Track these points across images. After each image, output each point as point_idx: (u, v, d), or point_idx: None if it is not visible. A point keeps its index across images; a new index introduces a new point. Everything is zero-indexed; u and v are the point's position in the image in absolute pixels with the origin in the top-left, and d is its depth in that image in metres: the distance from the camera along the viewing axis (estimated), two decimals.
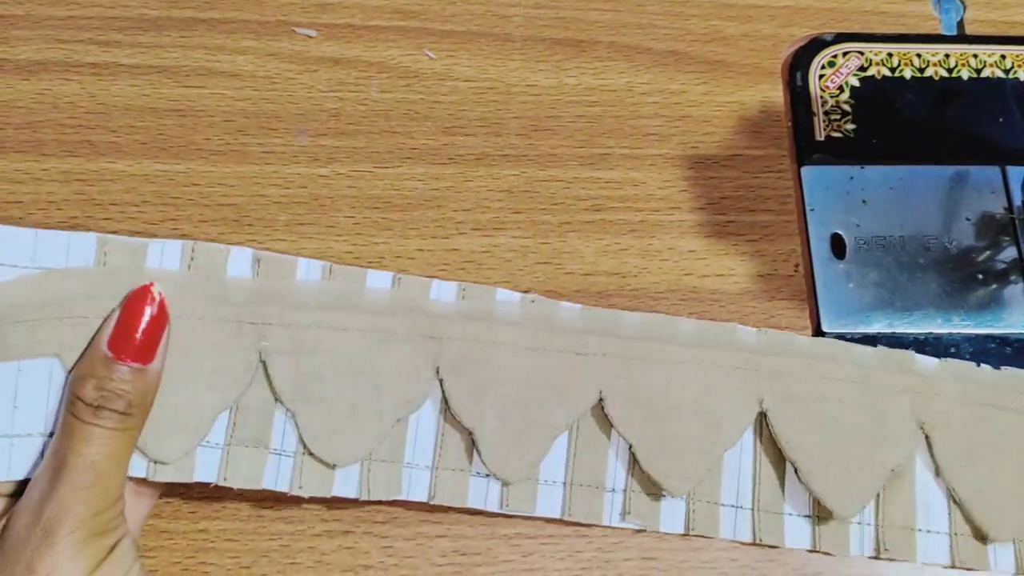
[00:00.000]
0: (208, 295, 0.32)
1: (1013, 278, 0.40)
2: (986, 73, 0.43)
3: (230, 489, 0.35)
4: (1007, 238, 0.40)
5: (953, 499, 0.35)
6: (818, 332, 0.38)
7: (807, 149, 0.41)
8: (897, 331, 0.38)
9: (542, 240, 0.39)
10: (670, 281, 0.39)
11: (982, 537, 0.35)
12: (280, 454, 0.33)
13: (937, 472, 0.35)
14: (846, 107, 0.42)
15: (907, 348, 0.37)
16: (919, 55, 0.43)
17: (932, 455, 0.35)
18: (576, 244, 0.39)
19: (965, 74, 0.43)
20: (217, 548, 0.35)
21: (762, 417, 0.35)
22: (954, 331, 0.38)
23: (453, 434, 0.34)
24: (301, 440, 0.33)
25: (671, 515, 0.35)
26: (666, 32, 0.44)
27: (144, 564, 0.32)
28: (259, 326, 0.32)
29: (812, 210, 0.40)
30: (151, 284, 0.31)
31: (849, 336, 0.38)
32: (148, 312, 0.31)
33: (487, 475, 0.34)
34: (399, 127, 0.41)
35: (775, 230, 0.40)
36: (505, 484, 0.34)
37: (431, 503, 0.34)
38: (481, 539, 0.35)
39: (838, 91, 0.42)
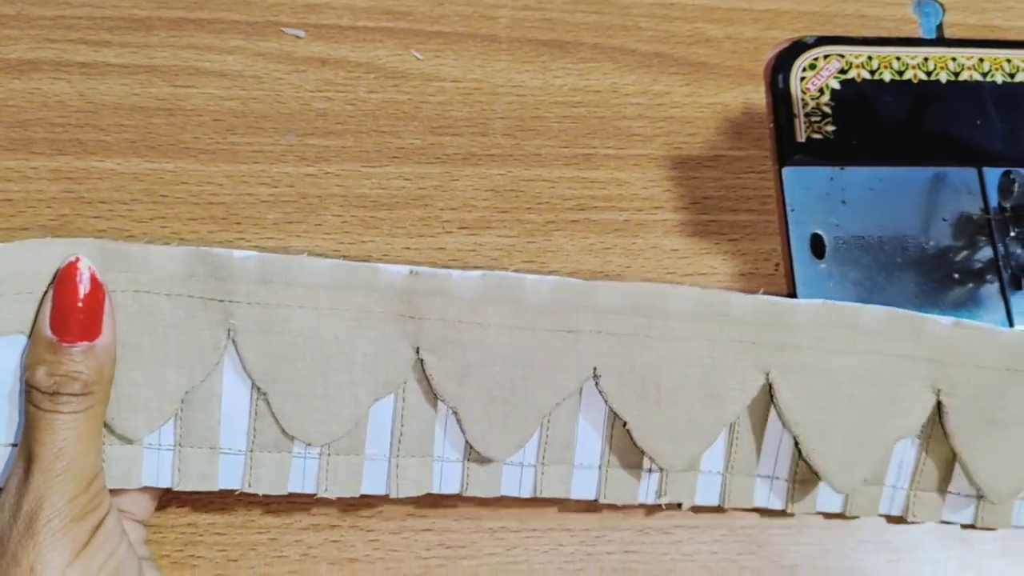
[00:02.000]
0: (171, 270, 0.32)
1: (989, 277, 0.40)
2: (964, 76, 0.44)
3: None
4: (983, 238, 0.41)
5: (959, 462, 0.35)
6: None
7: (788, 150, 0.42)
8: None
9: (527, 239, 0.40)
10: (653, 279, 0.40)
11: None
12: (304, 457, 0.33)
13: (947, 438, 0.35)
14: (827, 109, 0.43)
15: None
16: (898, 58, 0.44)
17: (943, 424, 0.35)
18: (561, 243, 0.40)
19: (943, 77, 0.44)
20: (206, 541, 0.35)
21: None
22: None
23: None
24: (276, 421, 0.32)
25: (706, 490, 0.35)
26: (650, 34, 0.44)
27: (132, 542, 0.32)
28: (225, 303, 0.32)
29: (792, 210, 0.41)
30: (77, 259, 0.30)
31: None
32: (81, 289, 0.30)
33: (520, 464, 0.34)
34: (386, 127, 0.41)
35: (756, 230, 0.41)
36: (491, 462, 0.34)
37: (464, 495, 0.34)
38: (466, 532, 0.36)
39: (819, 93, 0.43)
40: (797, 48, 0.44)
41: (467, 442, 0.34)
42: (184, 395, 0.32)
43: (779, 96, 0.43)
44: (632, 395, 0.34)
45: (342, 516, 0.36)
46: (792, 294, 0.40)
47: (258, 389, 0.32)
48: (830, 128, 0.43)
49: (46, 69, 0.41)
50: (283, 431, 0.33)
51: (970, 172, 0.42)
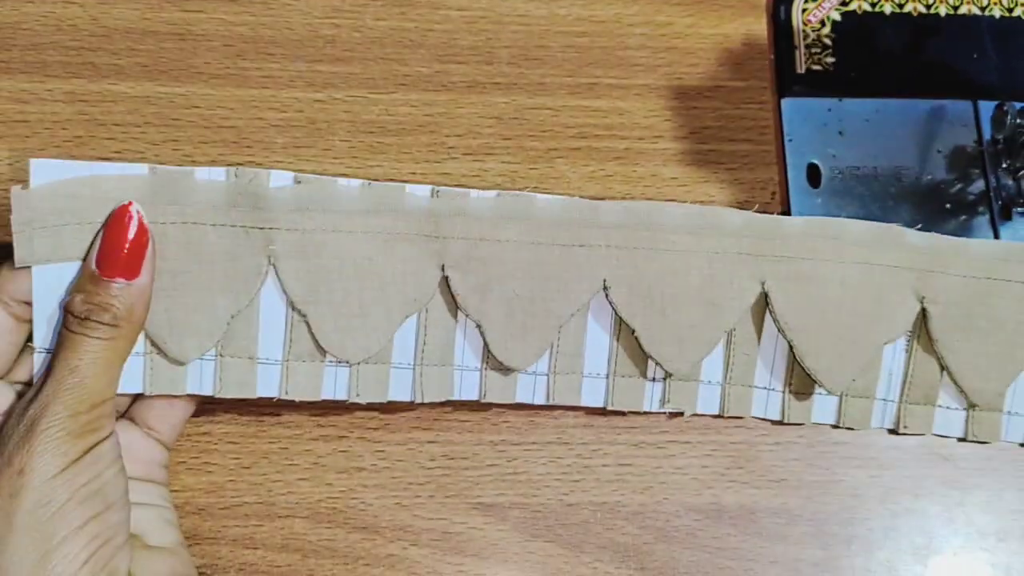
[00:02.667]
0: (215, 201, 0.34)
1: (980, 209, 0.41)
2: (963, 10, 0.44)
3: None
4: (976, 170, 0.42)
5: (943, 369, 0.37)
6: None
7: (788, 81, 0.43)
8: None
9: (530, 165, 0.41)
10: None
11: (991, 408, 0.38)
12: (336, 366, 0.35)
13: (932, 344, 0.37)
14: (827, 41, 0.43)
15: None
16: None
17: (927, 329, 0.37)
18: (563, 170, 0.41)
19: (943, 10, 0.44)
20: (220, 450, 0.37)
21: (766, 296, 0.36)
22: None
23: None
24: (314, 339, 0.34)
25: (707, 399, 0.37)
26: None
27: (152, 462, 0.34)
28: (266, 231, 0.34)
29: (790, 140, 0.42)
30: (129, 204, 0.33)
31: None
32: (129, 232, 0.32)
33: (533, 373, 0.36)
34: (393, 54, 0.42)
35: (754, 159, 0.42)
36: (513, 371, 0.36)
37: (482, 401, 0.36)
38: (468, 444, 0.38)
39: (820, 25, 0.44)
40: None
41: (486, 352, 0.36)
42: (230, 318, 0.34)
43: (780, 28, 0.44)
44: (639, 305, 0.36)
45: (350, 428, 0.37)
46: None
47: (296, 309, 0.34)
48: (830, 60, 0.43)
49: None
50: (317, 344, 0.35)
51: (966, 105, 0.43)
